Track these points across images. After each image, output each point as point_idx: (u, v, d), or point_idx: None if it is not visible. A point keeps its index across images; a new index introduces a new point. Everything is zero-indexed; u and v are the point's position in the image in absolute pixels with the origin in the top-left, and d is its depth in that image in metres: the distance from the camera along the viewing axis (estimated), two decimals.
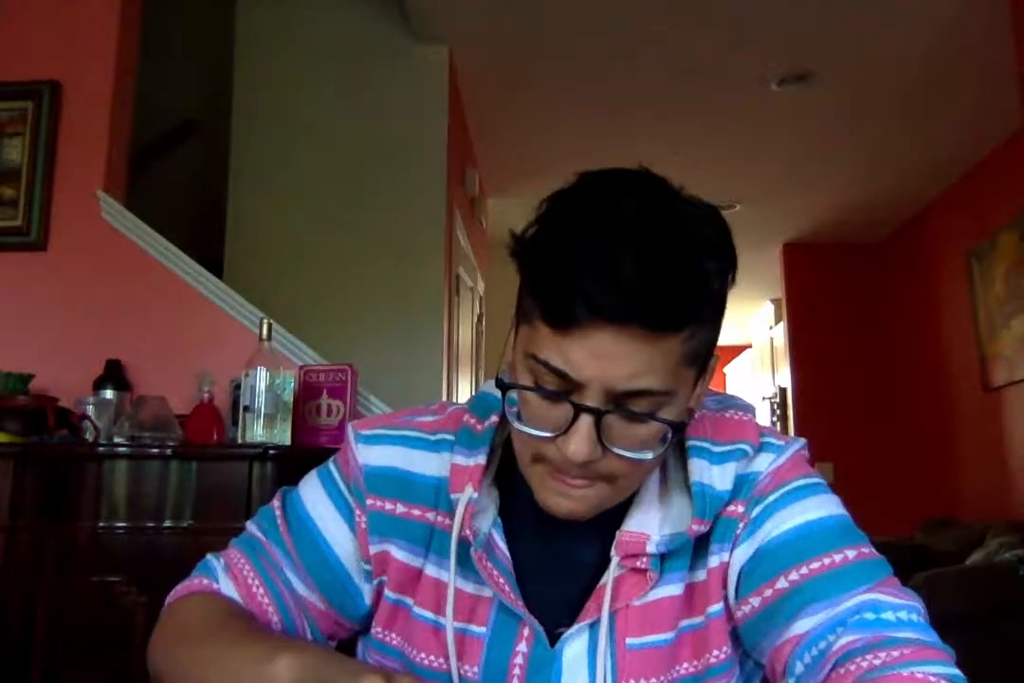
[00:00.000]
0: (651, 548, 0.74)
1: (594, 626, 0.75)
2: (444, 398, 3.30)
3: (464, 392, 3.94)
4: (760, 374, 7.60)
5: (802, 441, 0.81)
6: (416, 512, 0.81)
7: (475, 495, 0.76)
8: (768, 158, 4.72)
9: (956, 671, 0.64)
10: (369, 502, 0.81)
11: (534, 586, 0.78)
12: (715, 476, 0.76)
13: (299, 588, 0.82)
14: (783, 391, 6.46)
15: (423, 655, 0.78)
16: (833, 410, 5.93)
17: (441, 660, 0.77)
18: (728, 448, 0.77)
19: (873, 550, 0.74)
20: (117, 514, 1.97)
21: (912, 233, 5.69)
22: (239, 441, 2.10)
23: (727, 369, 9.07)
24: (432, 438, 0.83)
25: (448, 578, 0.77)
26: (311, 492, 0.85)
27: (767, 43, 3.49)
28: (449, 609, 0.76)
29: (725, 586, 0.76)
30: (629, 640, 0.74)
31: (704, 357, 0.70)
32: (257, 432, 2.09)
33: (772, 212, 5.55)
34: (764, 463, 0.78)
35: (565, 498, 0.71)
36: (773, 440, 0.80)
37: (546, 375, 0.68)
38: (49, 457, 2.04)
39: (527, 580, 0.78)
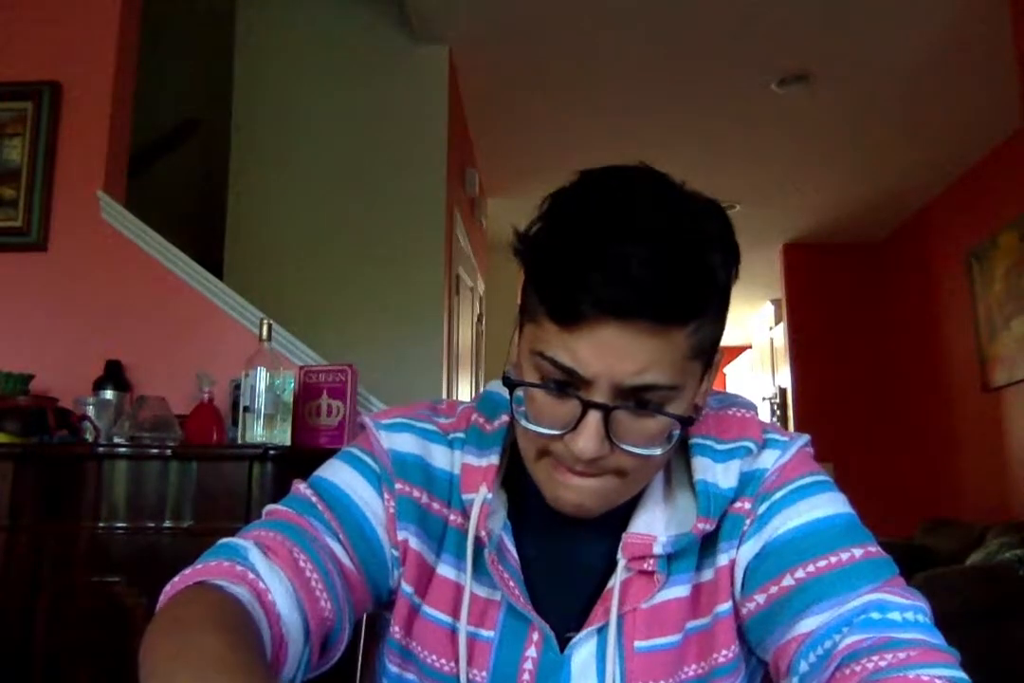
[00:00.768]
0: (658, 549, 0.74)
1: (602, 630, 0.75)
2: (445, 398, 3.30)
3: (464, 392, 3.94)
4: (760, 374, 7.60)
5: (806, 437, 0.81)
6: (436, 505, 0.80)
7: (489, 496, 0.76)
8: (768, 158, 4.72)
9: (961, 674, 0.64)
10: (398, 487, 0.79)
11: (542, 589, 0.77)
12: (719, 474, 0.76)
13: (340, 555, 0.77)
14: (783, 391, 6.46)
15: (433, 657, 0.78)
16: (833, 410, 5.93)
17: (452, 664, 0.77)
18: (732, 445, 0.77)
19: (880, 549, 0.74)
20: (117, 515, 1.97)
21: (912, 233, 5.69)
22: (239, 441, 2.10)
23: (727, 369, 9.08)
24: (447, 437, 0.83)
25: (462, 580, 0.77)
26: (339, 472, 0.81)
27: (767, 43, 3.49)
28: (464, 612, 0.76)
29: (733, 583, 0.76)
30: (637, 643, 0.74)
31: (709, 352, 0.70)
32: (257, 432, 2.09)
33: (772, 212, 5.55)
34: (770, 460, 0.78)
35: (573, 492, 0.71)
36: (777, 436, 0.80)
37: (553, 372, 0.67)
38: (49, 457, 2.04)
39: (535, 583, 0.77)
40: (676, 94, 3.98)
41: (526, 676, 0.75)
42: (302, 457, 2.08)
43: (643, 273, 0.63)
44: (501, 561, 0.76)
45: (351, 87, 3.48)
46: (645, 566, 0.74)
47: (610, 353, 0.65)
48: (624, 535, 0.76)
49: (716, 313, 0.69)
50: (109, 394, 2.30)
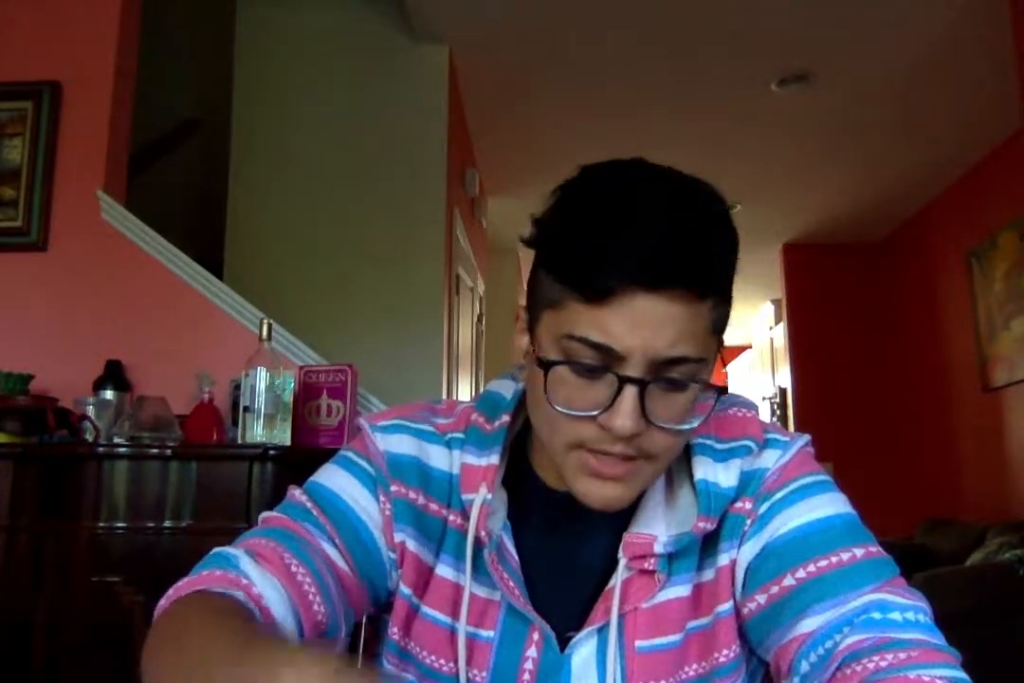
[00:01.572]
0: (659, 548, 0.74)
1: (603, 630, 0.74)
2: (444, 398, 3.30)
3: (464, 392, 3.94)
4: (760, 374, 7.60)
5: (806, 437, 0.81)
6: (433, 507, 0.80)
7: (489, 496, 0.76)
8: (768, 158, 4.72)
9: (962, 674, 0.64)
10: (394, 489, 0.79)
11: (542, 589, 0.77)
12: (720, 473, 0.76)
13: (335, 558, 0.76)
14: (783, 391, 6.46)
15: (432, 658, 0.78)
16: (833, 410, 5.93)
17: (451, 664, 0.77)
18: (732, 445, 0.77)
19: (880, 549, 0.74)
20: (117, 514, 1.97)
21: (912, 233, 5.69)
22: (239, 441, 2.10)
23: (727, 369, 9.07)
24: (444, 437, 0.82)
25: (462, 580, 0.77)
26: (334, 477, 0.81)
27: (767, 43, 3.49)
28: (463, 612, 0.76)
29: (734, 583, 0.76)
30: (638, 643, 0.74)
31: (722, 332, 0.71)
32: (257, 432, 2.09)
33: (772, 212, 5.55)
34: (771, 459, 0.78)
35: (604, 485, 0.70)
36: (778, 436, 0.80)
37: (585, 354, 0.67)
38: (49, 457, 2.04)
39: (535, 583, 0.77)
40: (676, 94, 3.98)
41: (526, 676, 0.75)
42: (302, 457, 2.08)
43: (669, 243, 0.64)
44: (501, 561, 0.76)
45: (351, 87, 3.48)
46: (646, 565, 0.74)
47: (643, 324, 0.65)
48: (625, 534, 0.76)
49: (727, 292, 0.70)
50: (109, 394, 2.30)
